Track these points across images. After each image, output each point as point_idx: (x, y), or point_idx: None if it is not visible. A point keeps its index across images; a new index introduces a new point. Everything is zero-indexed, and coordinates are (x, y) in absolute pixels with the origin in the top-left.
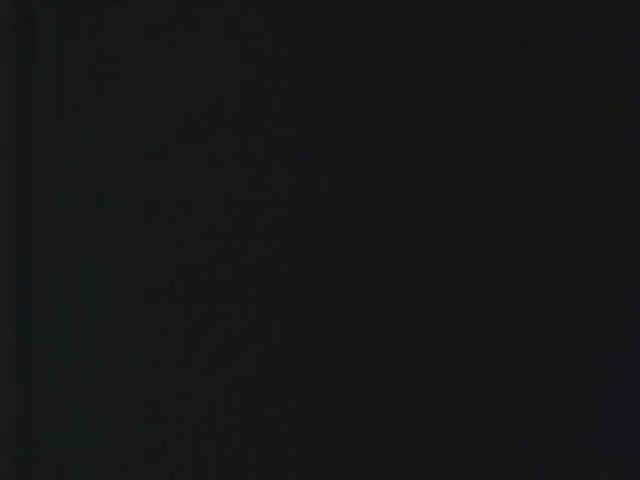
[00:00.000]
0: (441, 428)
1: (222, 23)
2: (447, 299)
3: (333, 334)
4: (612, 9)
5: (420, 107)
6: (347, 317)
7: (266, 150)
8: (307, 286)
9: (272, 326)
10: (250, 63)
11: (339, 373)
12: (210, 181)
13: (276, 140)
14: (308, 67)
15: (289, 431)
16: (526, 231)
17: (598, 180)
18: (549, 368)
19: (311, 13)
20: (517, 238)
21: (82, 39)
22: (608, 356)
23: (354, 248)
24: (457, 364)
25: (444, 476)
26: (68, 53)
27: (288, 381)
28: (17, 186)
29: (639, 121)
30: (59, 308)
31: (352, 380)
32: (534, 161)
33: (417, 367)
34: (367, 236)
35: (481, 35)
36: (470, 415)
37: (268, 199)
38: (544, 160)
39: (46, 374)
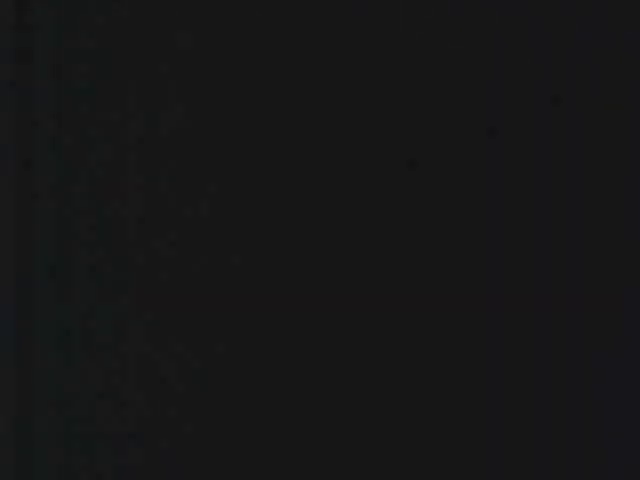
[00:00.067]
0: (440, 428)
1: (222, 22)
2: (444, 297)
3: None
4: (612, 9)
5: (420, 107)
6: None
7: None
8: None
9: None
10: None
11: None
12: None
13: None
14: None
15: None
16: (526, 231)
17: (598, 180)
18: (548, 368)
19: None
20: (517, 238)
21: (82, 39)
22: (608, 356)
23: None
24: (455, 363)
25: (444, 475)
26: (68, 53)
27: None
28: (17, 188)
29: (639, 121)
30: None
31: (335, 374)
32: (534, 161)
33: (415, 368)
34: (361, 233)
35: (481, 35)
36: (469, 414)
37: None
38: (543, 160)
39: (46, 373)
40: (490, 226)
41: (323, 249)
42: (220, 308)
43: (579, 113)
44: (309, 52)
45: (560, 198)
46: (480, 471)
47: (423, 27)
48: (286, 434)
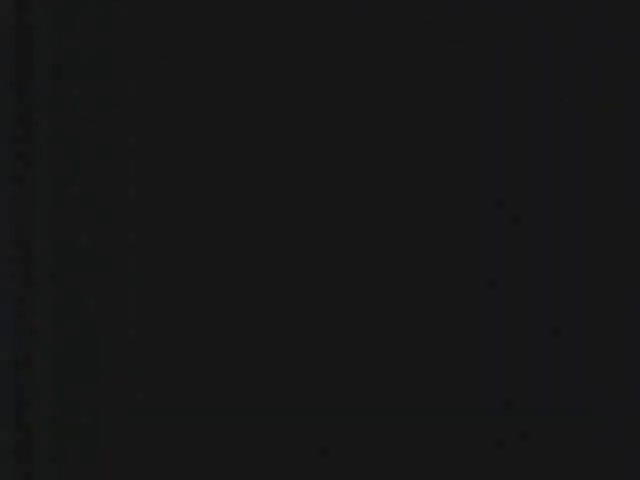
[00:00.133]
0: (440, 429)
1: (220, 22)
2: (443, 295)
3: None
4: (612, 9)
5: (420, 107)
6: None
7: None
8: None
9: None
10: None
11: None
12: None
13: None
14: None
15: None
16: (526, 231)
17: (599, 180)
18: (547, 367)
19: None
20: (517, 238)
21: (82, 39)
22: (608, 356)
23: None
24: (454, 361)
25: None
26: (68, 53)
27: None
28: (17, 188)
29: (639, 121)
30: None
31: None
32: (534, 161)
33: (415, 368)
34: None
35: (481, 35)
36: (468, 413)
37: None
38: (544, 160)
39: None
40: (490, 226)
41: (322, 246)
42: (220, 308)
43: (579, 113)
44: (309, 52)
45: (560, 198)
46: (480, 470)
47: (423, 27)
48: (285, 433)
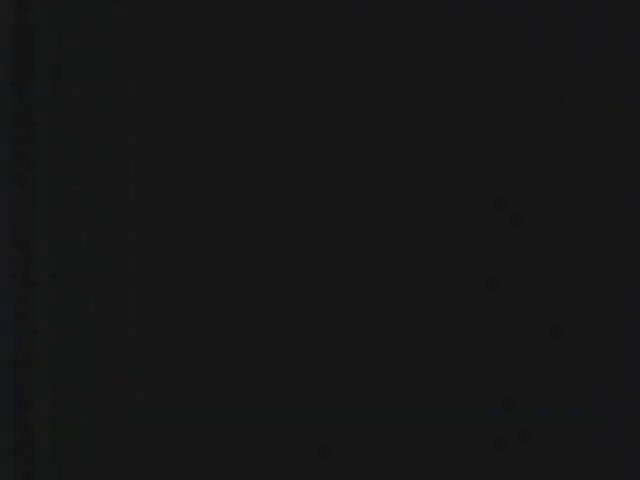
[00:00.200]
0: (440, 428)
1: (221, 21)
2: (443, 295)
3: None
4: (612, 9)
5: (419, 107)
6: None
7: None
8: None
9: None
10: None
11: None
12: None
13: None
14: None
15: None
16: (526, 231)
17: (599, 180)
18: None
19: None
20: (518, 238)
21: (82, 39)
22: (608, 356)
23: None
24: (454, 361)
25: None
26: (68, 53)
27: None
28: (17, 188)
29: (639, 121)
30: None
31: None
32: (534, 161)
33: (414, 368)
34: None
35: (481, 35)
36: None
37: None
38: (544, 159)
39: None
40: (490, 226)
41: (322, 246)
42: (219, 308)
43: (579, 113)
44: (309, 52)
45: (560, 198)
46: (480, 470)
47: (423, 27)
48: (284, 432)
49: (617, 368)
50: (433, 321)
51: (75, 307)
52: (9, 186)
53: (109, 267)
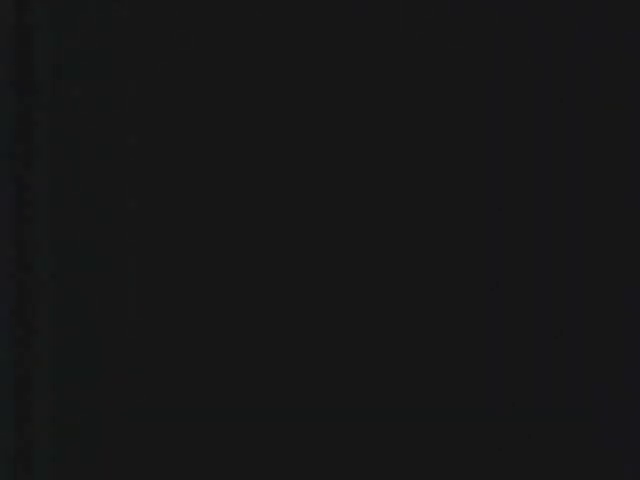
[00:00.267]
0: (439, 429)
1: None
2: (443, 295)
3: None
4: (612, 9)
5: (419, 106)
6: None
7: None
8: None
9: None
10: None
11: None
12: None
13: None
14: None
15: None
16: (526, 231)
17: (599, 180)
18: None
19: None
20: (517, 237)
21: (82, 39)
22: (608, 356)
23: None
24: (454, 361)
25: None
26: (68, 53)
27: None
28: (17, 188)
29: (639, 121)
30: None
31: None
32: (534, 160)
33: (414, 368)
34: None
35: (481, 35)
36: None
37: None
38: (544, 159)
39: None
40: (490, 226)
41: (321, 247)
42: (220, 308)
43: (579, 113)
44: (310, 52)
45: (560, 198)
46: (480, 470)
47: (423, 27)
48: (283, 433)
49: (617, 368)
50: (433, 321)
51: (75, 307)
52: (9, 186)
53: (109, 267)
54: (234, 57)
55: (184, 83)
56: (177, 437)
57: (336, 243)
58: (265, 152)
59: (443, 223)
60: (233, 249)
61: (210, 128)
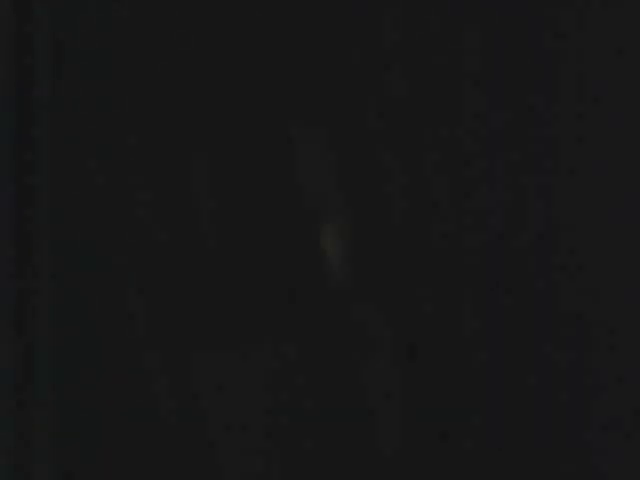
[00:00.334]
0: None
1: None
2: (443, 295)
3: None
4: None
5: (419, 106)
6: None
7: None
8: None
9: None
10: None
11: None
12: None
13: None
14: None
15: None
16: (526, 230)
17: (599, 180)
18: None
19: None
20: (517, 237)
21: (82, 39)
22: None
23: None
24: (451, 360)
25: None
26: (68, 53)
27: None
28: (17, 188)
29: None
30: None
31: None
32: (534, 160)
33: (412, 368)
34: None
35: (481, 35)
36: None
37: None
38: (543, 159)
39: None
40: (490, 226)
41: (321, 247)
42: (220, 308)
43: (579, 113)
44: (310, 52)
45: (560, 198)
46: (480, 470)
47: (423, 27)
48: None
49: (617, 368)
50: (433, 320)
51: (75, 307)
52: (9, 186)
53: (109, 267)
54: (235, 57)
55: (184, 83)
56: (177, 437)
57: (335, 242)
58: (265, 151)
59: (442, 223)
60: (234, 249)
61: (210, 127)
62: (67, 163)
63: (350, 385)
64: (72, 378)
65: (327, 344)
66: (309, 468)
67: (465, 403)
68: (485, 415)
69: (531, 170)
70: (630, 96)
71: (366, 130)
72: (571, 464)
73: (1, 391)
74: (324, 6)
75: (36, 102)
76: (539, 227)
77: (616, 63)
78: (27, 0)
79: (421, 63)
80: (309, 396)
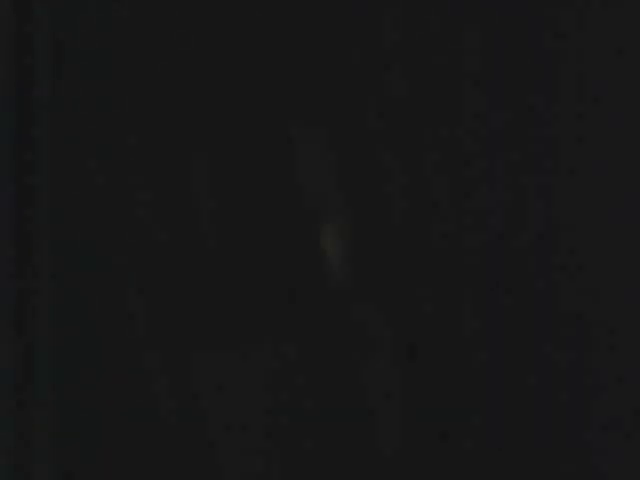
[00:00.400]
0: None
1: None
2: (442, 295)
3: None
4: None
5: (419, 106)
6: None
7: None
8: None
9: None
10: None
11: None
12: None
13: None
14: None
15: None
16: (526, 230)
17: (599, 180)
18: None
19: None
20: (517, 237)
21: (82, 39)
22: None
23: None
24: (451, 360)
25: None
26: (68, 53)
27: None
28: (16, 188)
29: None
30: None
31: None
32: (534, 160)
33: (412, 368)
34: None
35: (481, 35)
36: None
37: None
38: (543, 159)
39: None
40: (490, 226)
41: (320, 247)
42: (220, 308)
43: (579, 113)
44: (310, 52)
45: (560, 198)
46: (480, 470)
47: (423, 27)
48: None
49: (617, 368)
50: (433, 321)
51: (75, 307)
52: (9, 186)
53: (109, 267)
54: (235, 57)
55: (184, 83)
56: (177, 437)
57: (334, 243)
58: (266, 151)
59: (442, 223)
60: (234, 249)
61: (211, 127)
62: (67, 163)
63: (350, 385)
64: (72, 378)
65: (327, 344)
66: (309, 468)
67: (465, 403)
68: (485, 415)
69: (531, 170)
70: (630, 96)
71: (366, 130)
72: (571, 464)
73: (1, 391)
74: (324, 6)
75: (36, 102)
76: (539, 227)
77: (616, 63)
78: (27, 0)
79: (421, 63)
80: (309, 396)
